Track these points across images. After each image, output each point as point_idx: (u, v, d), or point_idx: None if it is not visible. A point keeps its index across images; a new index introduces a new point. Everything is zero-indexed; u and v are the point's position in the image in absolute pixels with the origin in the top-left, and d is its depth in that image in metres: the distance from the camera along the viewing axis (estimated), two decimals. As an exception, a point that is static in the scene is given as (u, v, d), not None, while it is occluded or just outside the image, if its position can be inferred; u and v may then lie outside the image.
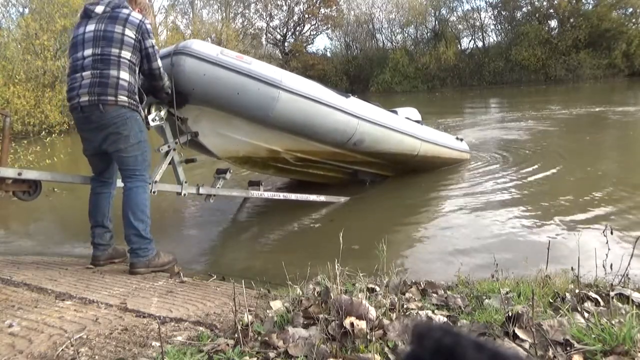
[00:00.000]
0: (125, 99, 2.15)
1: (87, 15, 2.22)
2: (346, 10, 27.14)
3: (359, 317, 1.26)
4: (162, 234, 2.83)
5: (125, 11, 2.21)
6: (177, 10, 23.98)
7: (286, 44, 28.90)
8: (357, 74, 25.17)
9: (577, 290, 1.51)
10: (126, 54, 2.17)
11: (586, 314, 1.34)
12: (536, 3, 22.08)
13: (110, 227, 2.40)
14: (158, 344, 1.27)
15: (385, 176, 4.22)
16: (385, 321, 1.29)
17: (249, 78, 2.81)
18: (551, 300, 1.47)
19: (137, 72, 2.26)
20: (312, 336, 1.24)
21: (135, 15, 2.22)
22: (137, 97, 2.24)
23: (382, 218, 3.35)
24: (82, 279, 2.08)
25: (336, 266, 1.54)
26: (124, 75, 2.16)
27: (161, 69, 2.40)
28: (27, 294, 1.81)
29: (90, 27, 2.18)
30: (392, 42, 25.96)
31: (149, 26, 2.25)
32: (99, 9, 2.20)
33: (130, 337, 1.38)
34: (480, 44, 24.32)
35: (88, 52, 2.16)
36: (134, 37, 2.18)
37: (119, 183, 2.44)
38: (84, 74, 2.14)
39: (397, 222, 3.24)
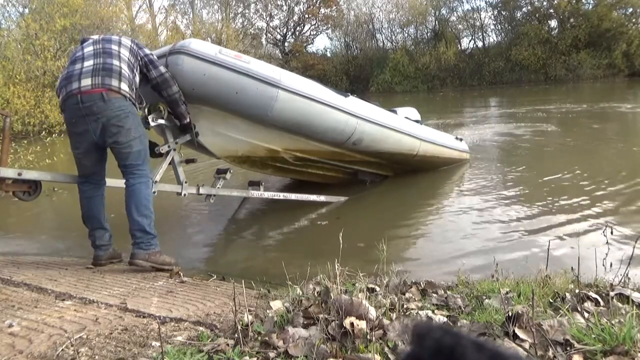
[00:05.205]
0: (127, 89, 2.18)
1: (84, 41, 2.36)
2: (346, 10, 27.16)
3: (359, 317, 1.26)
4: (162, 233, 2.81)
5: (116, 37, 2.41)
6: (177, 10, 24.03)
7: (286, 44, 28.92)
8: (357, 74, 25.15)
9: (577, 290, 1.51)
10: (125, 52, 2.27)
11: (586, 314, 1.34)
12: (536, 3, 22.07)
13: (108, 226, 2.40)
14: (158, 344, 1.27)
15: (385, 176, 4.22)
16: (385, 321, 1.29)
17: (248, 77, 2.80)
18: (551, 300, 1.47)
19: (135, 73, 2.30)
20: (312, 336, 1.24)
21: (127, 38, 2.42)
22: (136, 93, 2.28)
23: (381, 218, 3.35)
24: (82, 279, 2.08)
25: (336, 266, 1.54)
26: (125, 67, 2.22)
27: (167, 73, 2.48)
28: (27, 294, 1.81)
29: (89, 47, 2.28)
30: (392, 42, 25.98)
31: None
32: (94, 36, 2.38)
33: (130, 337, 1.38)
34: (480, 44, 24.37)
35: (89, 49, 2.24)
36: (129, 43, 2.35)
37: (114, 183, 2.44)
38: (85, 63, 2.16)
39: (397, 222, 3.23)
